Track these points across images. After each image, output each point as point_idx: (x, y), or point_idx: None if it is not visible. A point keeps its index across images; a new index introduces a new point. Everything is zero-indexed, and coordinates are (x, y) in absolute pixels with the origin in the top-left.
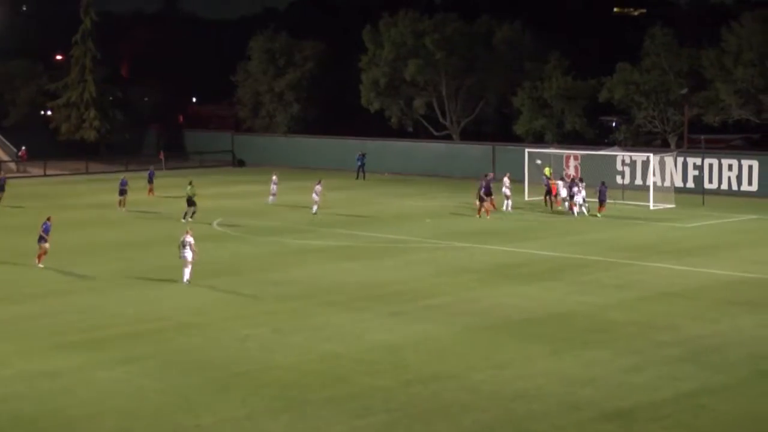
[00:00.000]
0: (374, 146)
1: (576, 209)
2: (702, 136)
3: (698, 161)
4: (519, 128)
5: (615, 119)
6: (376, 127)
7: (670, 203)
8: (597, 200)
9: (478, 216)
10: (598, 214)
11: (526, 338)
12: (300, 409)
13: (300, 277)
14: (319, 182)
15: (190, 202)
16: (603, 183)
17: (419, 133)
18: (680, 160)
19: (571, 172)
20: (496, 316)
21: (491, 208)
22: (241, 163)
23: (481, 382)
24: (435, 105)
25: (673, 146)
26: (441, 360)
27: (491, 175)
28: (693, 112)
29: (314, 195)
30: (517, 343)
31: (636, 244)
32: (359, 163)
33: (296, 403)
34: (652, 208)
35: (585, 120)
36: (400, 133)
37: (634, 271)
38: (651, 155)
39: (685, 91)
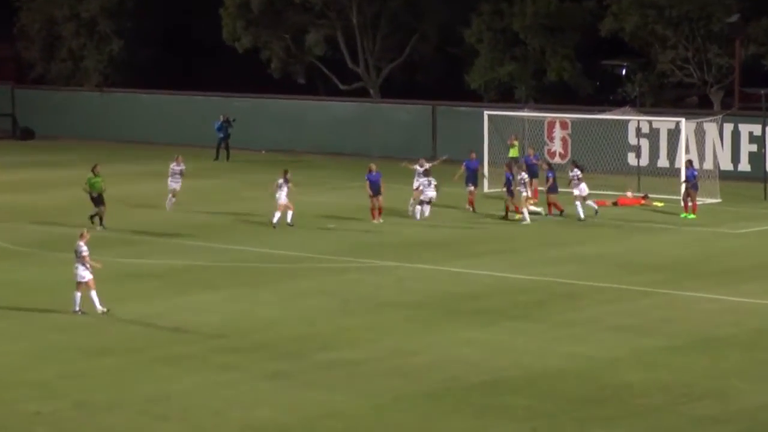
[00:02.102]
0: (244, 107)
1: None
2: (762, 90)
3: (757, 129)
4: (474, 78)
5: (626, 64)
6: (247, 76)
7: (713, 196)
8: (683, 198)
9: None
10: (692, 215)
11: (489, 413)
12: None
13: (122, 317)
14: (286, 174)
15: (98, 200)
16: (691, 163)
17: (315, 85)
18: (728, 127)
19: (557, 147)
20: (440, 377)
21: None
22: (27, 134)
23: None
24: (341, 41)
25: (717, 106)
26: None
27: (474, 155)
28: (749, 51)
29: (279, 195)
30: (474, 419)
31: (660, 261)
32: (221, 135)
33: None
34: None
35: (578, 65)
36: (286, 86)
37: (657, 304)
38: (682, 120)
39: (735, 18)
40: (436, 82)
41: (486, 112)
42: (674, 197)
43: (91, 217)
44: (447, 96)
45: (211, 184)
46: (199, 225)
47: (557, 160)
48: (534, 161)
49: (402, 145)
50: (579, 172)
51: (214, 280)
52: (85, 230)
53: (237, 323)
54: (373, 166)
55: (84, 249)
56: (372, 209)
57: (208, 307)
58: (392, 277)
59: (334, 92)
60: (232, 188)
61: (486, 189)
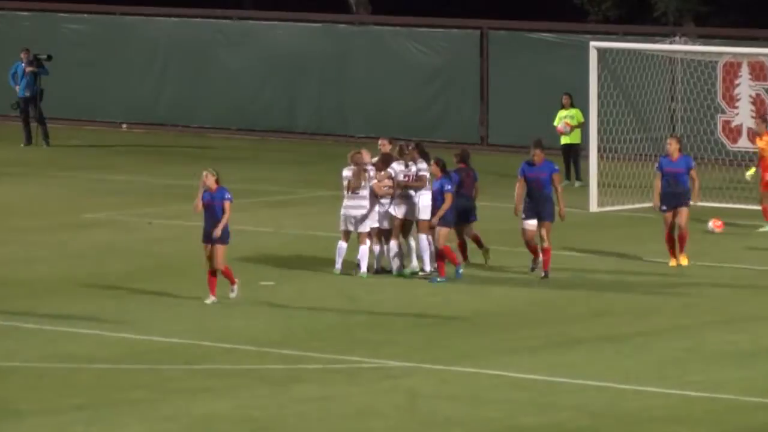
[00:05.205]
0: (83, 33)
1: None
2: None
3: None
4: None
5: None
6: None
7: None
8: None
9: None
10: None
11: None
12: None
13: None
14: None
15: None
16: None
17: None
18: None
19: (742, 118)
20: None
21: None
22: None
23: None
24: None
25: None
26: None
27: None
28: None
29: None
30: None
31: None
32: (25, 94)
33: None
34: None
35: None
36: None
37: None
38: None
39: None
40: None
41: (593, 44)
42: None
43: None
44: (509, 12)
45: (19, 194)
46: None
47: (743, 143)
48: (669, 169)
49: (415, 111)
50: (424, 166)
51: (24, 397)
52: None
53: None
54: (210, 177)
55: None
56: (209, 273)
57: None
58: (396, 391)
59: (276, 4)
60: (61, 202)
61: (594, 207)
